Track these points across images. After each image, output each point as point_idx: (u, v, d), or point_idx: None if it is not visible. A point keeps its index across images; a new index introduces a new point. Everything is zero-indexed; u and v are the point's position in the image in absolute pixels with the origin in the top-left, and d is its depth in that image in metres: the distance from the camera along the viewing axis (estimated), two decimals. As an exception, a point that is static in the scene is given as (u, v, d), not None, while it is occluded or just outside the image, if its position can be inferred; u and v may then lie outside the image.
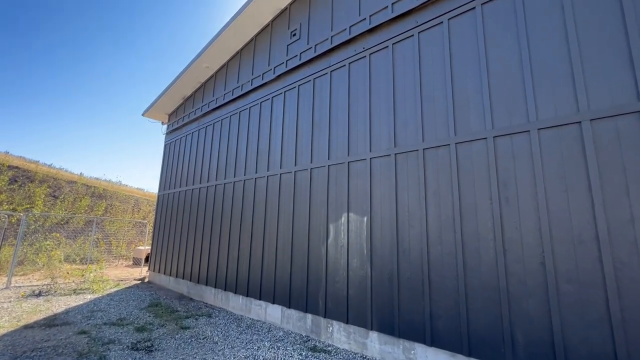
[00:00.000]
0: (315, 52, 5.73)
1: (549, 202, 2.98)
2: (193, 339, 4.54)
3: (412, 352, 3.65)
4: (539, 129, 3.15)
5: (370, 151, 4.55)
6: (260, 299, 5.67)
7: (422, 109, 4.10)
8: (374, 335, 4.03)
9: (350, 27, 5.20)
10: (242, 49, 7.81)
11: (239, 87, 7.54)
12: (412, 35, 4.39)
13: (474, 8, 3.83)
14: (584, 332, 2.66)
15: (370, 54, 4.87)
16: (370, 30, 4.92)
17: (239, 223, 6.57)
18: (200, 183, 8.23)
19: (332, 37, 5.48)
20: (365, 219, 4.40)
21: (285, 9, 6.69)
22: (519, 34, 3.45)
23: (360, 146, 4.72)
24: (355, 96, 4.96)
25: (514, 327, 2.99)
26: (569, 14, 3.17)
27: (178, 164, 9.58)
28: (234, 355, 3.97)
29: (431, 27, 4.21)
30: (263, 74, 6.84)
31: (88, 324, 5.10)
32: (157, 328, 5.00)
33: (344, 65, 5.22)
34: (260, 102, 6.84)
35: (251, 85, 7.13)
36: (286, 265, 5.33)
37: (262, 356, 3.95)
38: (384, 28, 4.77)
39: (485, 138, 3.48)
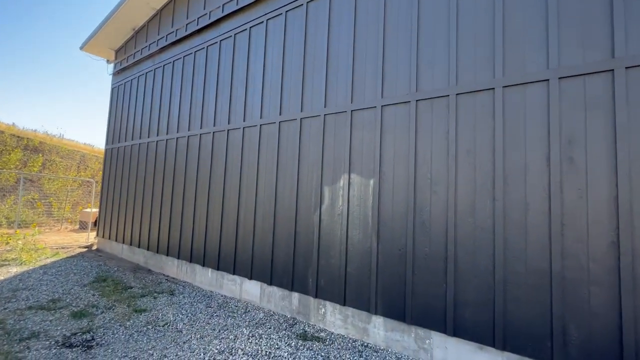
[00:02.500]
0: (309, -34, 4.40)
1: (632, 165, 2.29)
2: (150, 327, 3.60)
3: (427, 341, 3.04)
4: (626, 67, 2.36)
5: (381, 97, 3.57)
6: (234, 274, 4.78)
7: (457, 40, 3.14)
8: (378, 320, 3.36)
9: None
10: (209, -36, 6.11)
11: (205, 14, 5.97)
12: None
13: None
14: (665, 330, 2.11)
15: (386, -31, 3.70)
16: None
17: (208, 184, 5.44)
18: (158, 135, 6.80)
19: (333, -55, 4.17)
20: (371, 182, 3.54)
21: None
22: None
23: (368, 90, 3.71)
24: (363, 24, 3.84)
25: (567, 319, 2.40)
26: None
27: (130, 111, 7.92)
28: (204, 349, 3.12)
29: None
30: (238, -4, 5.36)
31: (5, 308, 3.92)
32: (103, 312, 3.98)
33: (349, -16, 4.01)
34: (235, 34, 5.43)
35: (222, 12, 5.63)
36: (267, 235, 4.42)
37: (242, 349, 3.14)
38: None
39: (547, 80, 2.65)
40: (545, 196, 2.57)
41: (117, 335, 3.36)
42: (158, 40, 7.13)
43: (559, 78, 2.59)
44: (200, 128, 5.77)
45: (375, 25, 3.74)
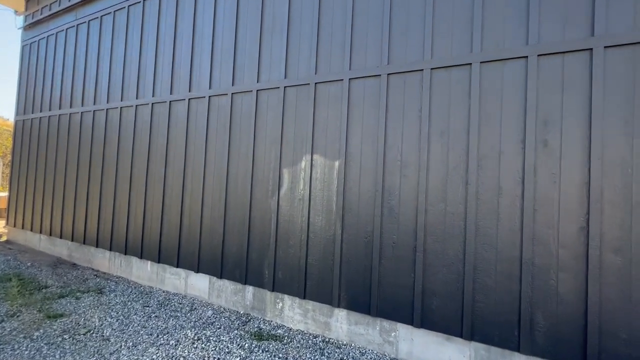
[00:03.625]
0: None
1: (605, 149, 2.22)
2: (67, 336, 2.93)
3: (392, 334, 2.85)
4: (605, 46, 2.26)
5: (349, 69, 3.19)
6: (177, 267, 4.19)
7: (433, 7, 2.84)
8: (341, 313, 3.10)
9: None
10: None
11: (141, -40, 4.97)
12: None
13: None
14: (627, 316, 2.11)
15: None
16: None
17: (146, 164, 4.66)
18: (83, 105, 5.69)
19: None
20: (337, 163, 3.19)
21: None
22: None
23: (334, 60, 3.30)
24: (330, -14, 3.38)
25: (535, 306, 2.34)
26: None
27: (46, 75, 6.54)
28: (137, 361, 2.59)
29: None
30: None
31: None
32: (2, 322, 3.17)
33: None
34: (178, -13, 4.58)
35: (162, -42, 4.71)
36: (217, 223, 3.89)
37: (184, 357, 2.67)
38: None
39: (526, 57, 2.48)
40: (519, 180, 2.45)
41: (18, 352, 2.66)
42: (81, -12, 5.87)
43: (538, 55, 2.44)
44: (137, 98, 4.89)
45: (344, -13, 3.30)
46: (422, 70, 2.85)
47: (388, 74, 2.99)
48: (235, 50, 3.95)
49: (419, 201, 2.78)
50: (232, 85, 3.94)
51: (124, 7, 5.28)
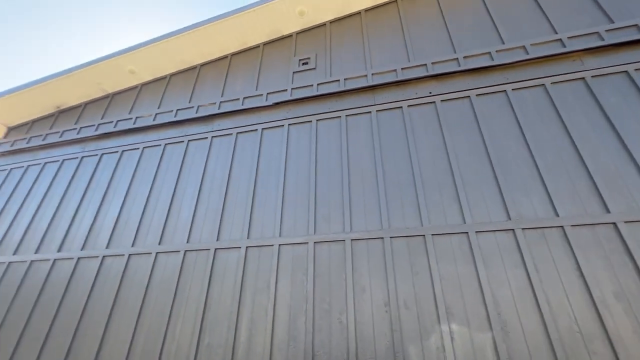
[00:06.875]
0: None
1: None
2: None
3: None
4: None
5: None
6: None
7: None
8: None
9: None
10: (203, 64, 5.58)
11: (192, 108, 4.98)
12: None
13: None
14: None
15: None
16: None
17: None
18: (38, 253, 4.23)
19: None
20: (489, 337, 2.50)
21: (290, 35, 5.29)
22: None
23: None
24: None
25: None
26: None
27: (3, 210, 5.06)
28: None
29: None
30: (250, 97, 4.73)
31: None
32: None
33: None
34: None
35: (217, 108, 4.79)
36: None
37: None
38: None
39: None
40: None
41: None
42: (99, 124, 5.45)
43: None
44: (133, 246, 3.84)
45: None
46: (558, 226, 2.79)
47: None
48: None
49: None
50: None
51: (139, 149, 4.89)
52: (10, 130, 6.28)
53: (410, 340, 2.63)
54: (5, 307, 3.93)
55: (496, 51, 3.86)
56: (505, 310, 2.55)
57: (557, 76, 3.51)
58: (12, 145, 5.85)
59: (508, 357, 2.38)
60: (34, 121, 6.16)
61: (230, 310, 3.14)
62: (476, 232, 2.91)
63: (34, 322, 3.71)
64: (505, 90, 3.61)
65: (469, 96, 3.72)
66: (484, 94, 3.68)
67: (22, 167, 5.44)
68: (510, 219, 2.89)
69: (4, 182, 5.39)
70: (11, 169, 5.53)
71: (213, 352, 2.99)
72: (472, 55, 3.94)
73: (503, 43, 3.92)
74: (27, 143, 5.73)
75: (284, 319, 2.96)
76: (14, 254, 4.36)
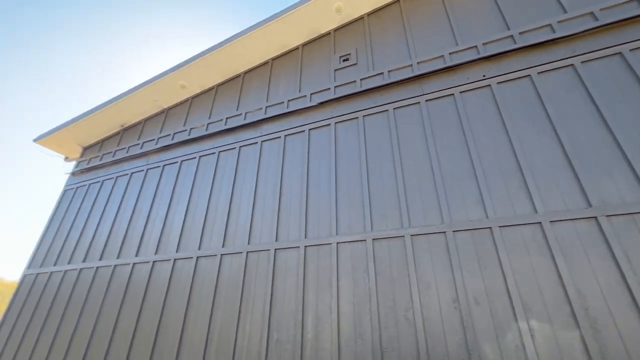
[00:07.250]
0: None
1: None
2: None
3: None
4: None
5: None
6: None
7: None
8: None
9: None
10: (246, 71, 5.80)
11: (240, 115, 5.22)
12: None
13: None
14: None
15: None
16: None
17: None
18: (120, 258, 4.71)
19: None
20: (576, 335, 2.31)
21: (328, 33, 5.29)
22: None
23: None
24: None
25: None
26: None
27: (87, 221, 5.75)
28: None
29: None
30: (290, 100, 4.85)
31: None
32: None
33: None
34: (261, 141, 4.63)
35: (264, 113, 4.96)
36: None
37: None
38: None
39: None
40: None
41: None
42: (158, 138, 5.93)
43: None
44: (199, 248, 4.11)
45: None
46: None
47: (603, 216, 2.58)
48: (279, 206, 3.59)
49: None
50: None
51: (204, 155, 5.20)
52: (85, 150, 7.09)
53: (484, 337, 2.52)
54: (98, 306, 4.46)
55: (558, 22, 3.52)
56: (593, 306, 2.33)
57: (636, 42, 3.11)
58: (88, 163, 6.60)
59: (602, 357, 2.18)
60: (104, 140, 6.89)
61: (295, 308, 3.25)
62: (550, 221, 2.70)
63: (122, 319, 4.17)
64: (573, 64, 3.28)
65: (529, 74, 3.43)
66: (547, 70, 3.38)
67: (99, 182, 6.11)
68: (591, 205, 2.63)
69: (85, 196, 6.10)
70: (90, 184, 6.26)
71: (282, 348, 3.12)
72: (530, 30, 3.63)
73: (565, 12, 3.55)
74: (100, 160, 6.44)
75: (349, 316, 2.99)
76: (100, 259, 4.93)
